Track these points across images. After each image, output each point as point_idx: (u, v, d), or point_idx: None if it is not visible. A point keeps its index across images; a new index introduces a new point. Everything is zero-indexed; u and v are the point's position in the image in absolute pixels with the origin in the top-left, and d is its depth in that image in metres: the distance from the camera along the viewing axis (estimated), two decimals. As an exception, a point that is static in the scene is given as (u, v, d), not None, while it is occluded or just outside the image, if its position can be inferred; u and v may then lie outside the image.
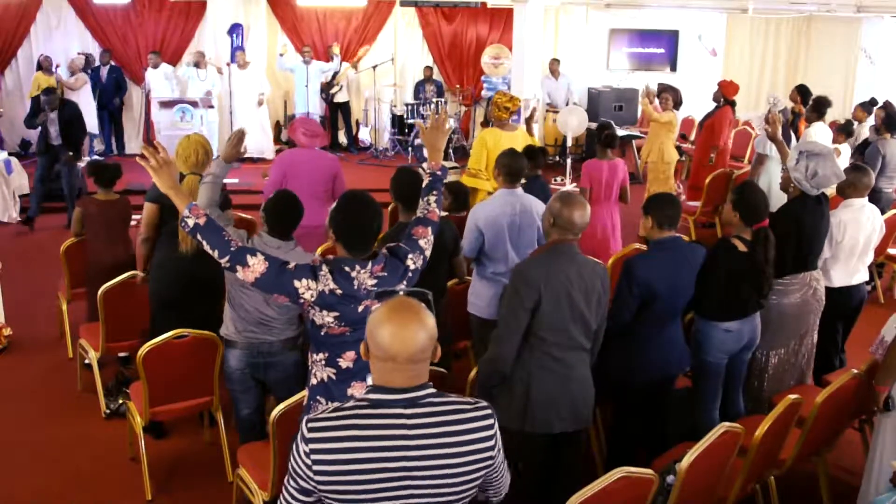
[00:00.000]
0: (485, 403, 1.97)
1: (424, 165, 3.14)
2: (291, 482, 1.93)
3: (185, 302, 4.22)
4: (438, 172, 3.09)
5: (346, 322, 2.71)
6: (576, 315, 3.17)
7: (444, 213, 4.90)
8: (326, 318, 2.69)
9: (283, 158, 5.56)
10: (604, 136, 6.18)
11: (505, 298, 3.22)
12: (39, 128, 8.35)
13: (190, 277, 4.16)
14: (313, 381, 2.87)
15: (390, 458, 1.84)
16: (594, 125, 9.44)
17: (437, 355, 1.90)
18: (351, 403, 1.91)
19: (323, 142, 5.67)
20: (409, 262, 2.81)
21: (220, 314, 3.68)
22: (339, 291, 2.65)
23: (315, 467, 1.84)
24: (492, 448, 1.93)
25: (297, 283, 2.65)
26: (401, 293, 1.99)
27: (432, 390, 1.91)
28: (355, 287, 2.67)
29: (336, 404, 1.94)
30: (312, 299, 2.65)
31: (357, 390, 2.80)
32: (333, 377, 2.80)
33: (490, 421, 1.94)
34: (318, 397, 2.84)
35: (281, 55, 11.70)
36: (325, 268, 2.67)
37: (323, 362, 2.81)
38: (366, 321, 2.61)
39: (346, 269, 2.68)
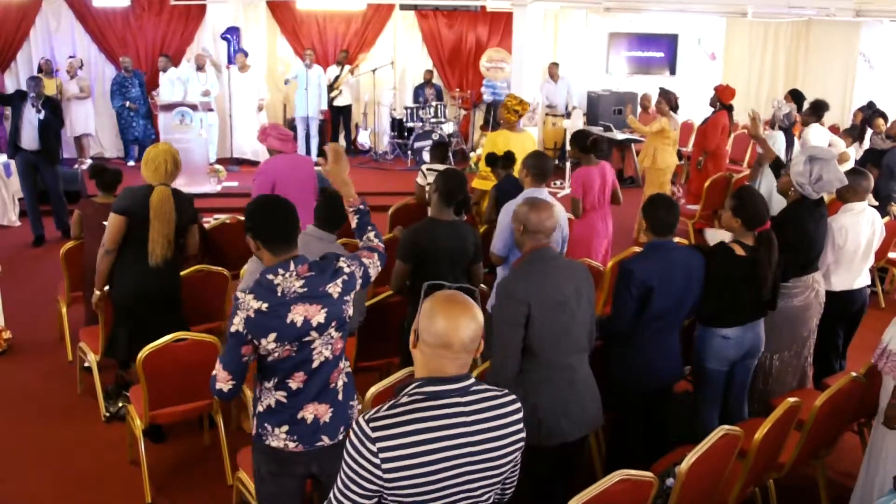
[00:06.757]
0: (507, 391, 2.09)
1: (349, 208, 3.02)
2: (353, 487, 1.88)
3: (145, 312, 4.28)
4: (362, 207, 3.02)
5: (286, 339, 2.57)
6: (572, 318, 3.12)
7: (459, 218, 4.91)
8: (269, 344, 2.56)
9: (267, 167, 5.34)
10: (590, 142, 6.01)
11: (495, 317, 3.11)
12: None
13: (152, 289, 4.26)
14: (260, 408, 2.74)
15: (454, 445, 1.92)
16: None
17: (481, 349, 1.99)
18: (405, 399, 1.93)
19: (295, 146, 5.64)
20: (342, 264, 2.71)
21: (181, 323, 3.68)
22: (264, 307, 2.52)
23: (385, 465, 1.85)
24: (522, 430, 2.07)
25: (231, 328, 2.55)
26: (448, 287, 2.04)
27: (474, 379, 2.01)
28: (279, 294, 2.56)
29: (389, 402, 1.94)
30: (245, 332, 2.52)
31: (309, 413, 2.69)
32: (284, 401, 2.69)
33: (518, 405, 2.08)
34: (265, 424, 2.72)
35: (286, 83, 11.78)
36: (241, 295, 2.56)
37: (273, 388, 2.69)
38: (306, 335, 2.59)
39: (269, 277, 2.57)
